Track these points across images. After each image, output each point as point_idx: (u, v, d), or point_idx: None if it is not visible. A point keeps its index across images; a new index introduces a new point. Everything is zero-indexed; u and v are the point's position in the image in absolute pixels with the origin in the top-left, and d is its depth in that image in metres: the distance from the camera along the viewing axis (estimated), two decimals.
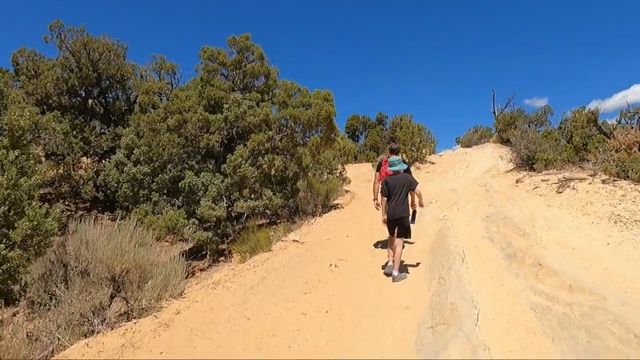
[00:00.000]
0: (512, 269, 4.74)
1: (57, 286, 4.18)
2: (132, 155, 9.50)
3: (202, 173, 9.06)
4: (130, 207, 10.23)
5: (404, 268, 5.28)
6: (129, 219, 9.47)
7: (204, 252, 9.35)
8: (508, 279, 4.48)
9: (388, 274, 5.13)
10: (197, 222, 8.94)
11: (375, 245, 6.99)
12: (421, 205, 5.63)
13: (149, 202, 9.47)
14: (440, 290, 4.31)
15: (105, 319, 3.96)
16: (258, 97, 9.71)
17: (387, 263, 5.38)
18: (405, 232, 5.26)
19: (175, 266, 4.86)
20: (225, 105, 9.18)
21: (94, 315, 3.95)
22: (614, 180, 8.11)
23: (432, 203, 9.95)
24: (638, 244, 5.07)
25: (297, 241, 7.60)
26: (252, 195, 9.57)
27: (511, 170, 13.54)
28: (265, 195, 8.98)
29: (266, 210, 10.67)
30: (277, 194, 10.12)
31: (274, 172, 11.43)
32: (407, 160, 7.60)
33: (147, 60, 13.55)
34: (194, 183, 8.81)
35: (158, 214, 9.33)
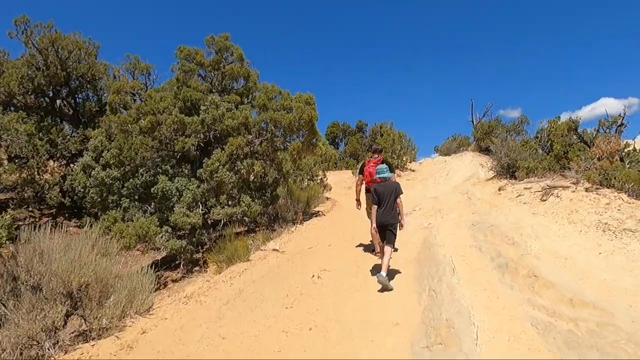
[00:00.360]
0: (506, 281, 4.50)
1: (3, 304, 3.66)
2: (101, 159, 8.91)
3: (176, 178, 8.56)
4: (99, 213, 9.60)
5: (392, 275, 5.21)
6: (97, 226, 8.90)
7: (177, 262, 8.81)
8: (502, 291, 4.23)
9: (382, 283, 4.84)
10: (170, 229, 8.41)
11: (359, 254, 6.68)
12: (402, 218, 5.34)
13: (118, 209, 8.87)
14: (432, 305, 4.02)
15: (58, 341, 3.47)
16: (237, 100, 9.31)
17: (379, 273, 5.03)
18: (392, 239, 5.23)
19: (143, 279, 4.39)
20: (203, 107, 8.74)
21: (45, 337, 3.45)
22: (597, 189, 8.09)
23: (415, 211, 9.75)
24: (630, 253, 4.94)
25: (277, 250, 7.20)
26: (230, 202, 9.12)
27: (492, 178, 13.55)
28: (244, 202, 8.56)
29: (244, 218, 10.23)
30: (256, 200, 9.70)
31: (252, 177, 11.02)
32: (393, 164, 7.45)
33: (120, 60, 12.96)
34: (167, 188, 8.30)
35: (128, 221, 8.75)
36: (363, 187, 6.61)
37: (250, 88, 10.07)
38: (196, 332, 4.08)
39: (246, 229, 11.32)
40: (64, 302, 3.66)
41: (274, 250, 7.18)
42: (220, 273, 6.48)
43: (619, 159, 8.06)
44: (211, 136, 9.16)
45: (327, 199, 13.86)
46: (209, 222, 9.97)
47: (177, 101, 9.40)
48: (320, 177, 14.28)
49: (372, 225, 5.41)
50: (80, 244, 4.06)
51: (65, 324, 3.71)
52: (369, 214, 6.19)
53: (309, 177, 13.37)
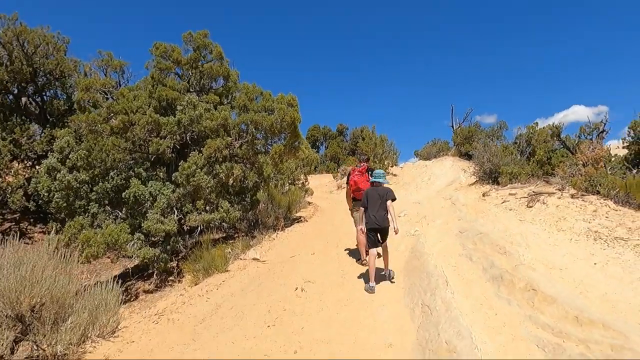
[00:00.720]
0: (502, 294, 4.25)
1: None
2: (68, 161, 8.29)
3: (150, 182, 8.03)
4: (66, 219, 8.94)
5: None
6: (63, 233, 8.25)
7: (150, 271, 8.26)
8: (500, 306, 3.97)
9: (370, 290, 4.96)
10: (143, 237, 7.86)
11: (344, 263, 6.35)
12: (395, 223, 5.32)
13: (86, 215, 8.26)
14: (427, 323, 3.71)
15: None
16: (216, 100, 8.86)
17: (367, 283, 5.12)
18: (384, 240, 5.35)
19: (107, 296, 3.92)
20: (179, 107, 8.26)
21: None
22: (582, 195, 8.03)
23: (400, 217, 9.50)
24: (625, 263, 4.78)
25: (257, 259, 6.79)
26: (207, 207, 8.64)
27: (474, 183, 13.50)
28: (222, 207, 8.10)
29: (223, 224, 9.77)
30: (235, 205, 9.25)
31: (232, 182, 10.57)
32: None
33: (92, 56, 12.26)
34: (140, 193, 7.76)
35: (97, 227, 8.16)
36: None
37: (230, 88, 9.64)
38: (167, 357, 3.64)
39: (224, 235, 10.84)
40: (12, 327, 3.18)
41: (254, 259, 6.77)
42: (196, 285, 6.02)
43: (603, 165, 8.02)
44: (188, 138, 8.67)
45: (309, 203, 13.50)
46: (185, 228, 9.46)
47: (152, 100, 8.87)
48: (301, 181, 13.91)
49: (358, 229, 5.51)
50: (34, 257, 3.56)
51: (14, 351, 3.22)
52: (356, 222, 6.26)
53: (290, 181, 12.99)
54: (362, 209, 5.29)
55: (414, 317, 4.03)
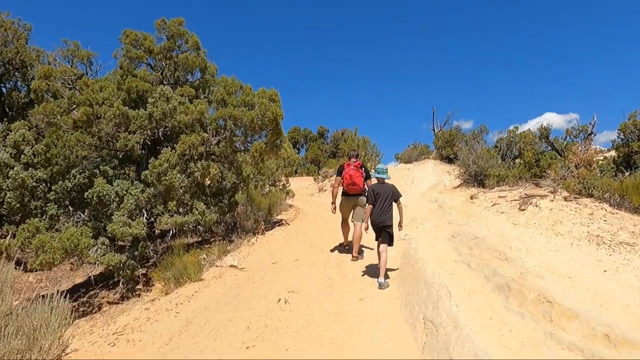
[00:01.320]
0: (512, 307, 3.79)
1: None
2: (23, 156, 7.44)
3: (116, 181, 7.28)
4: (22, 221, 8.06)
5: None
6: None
7: (116, 279, 7.49)
8: (514, 321, 3.50)
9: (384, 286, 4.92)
10: (107, 241, 7.10)
11: (331, 270, 5.80)
12: (401, 222, 5.53)
13: (43, 217, 7.43)
14: (434, 343, 3.20)
15: None
16: (192, 93, 8.17)
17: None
18: (390, 239, 5.26)
19: (50, 317, 3.23)
20: (151, 100, 7.54)
21: None
22: (576, 198, 7.75)
23: None
24: (638, 270, 4.42)
25: (235, 266, 6.16)
26: (181, 209, 7.95)
27: (459, 186, 13.21)
28: (197, 209, 7.42)
29: (198, 227, 9.08)
30: (212, 207, 8.58)
31: (209, 182, 9.89)
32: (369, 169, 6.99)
33: (57, 45, 11.33)
34: (105, 193, 7.00)
35: (56, 231, 7.34)
36: (340, 190, 6.40)
37: (208, 81, 8.96)
38: None
39: (200, 239, 10.13)
40: None
41: (231, 266, 6.13)
42: (166, 295, 5.34)
43: (596, 167, 7.76)
44: (160, 133, 7.96)
45: (290, 206, 12.90)
46: (156, 232, 8.72)
47: (121, 92, 8.12)
48: (283, 183, 13.31)
49: (363, 224, 5.43)
50: None
51: None
52: (344, 214, 6.39)
53: (271, 182, 12.37)
54: (369, 205, 5.25)
55: (417, 334, 3.51)
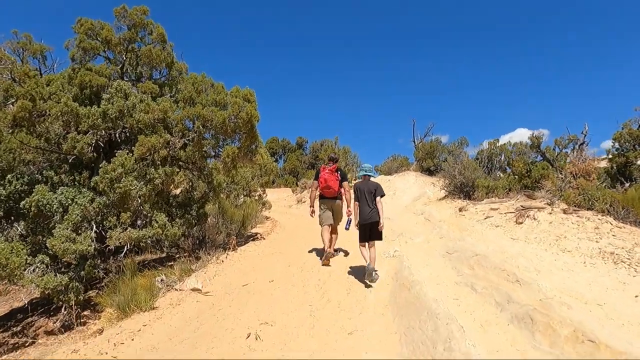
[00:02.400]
0: (543, 346, 3.02)
1: None
2: None
3: (60, 188, 6.22)
4: None
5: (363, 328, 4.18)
6: None
7: (59, 304, 6.36)
8: None
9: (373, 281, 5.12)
10: (48, 260, 6.01)
11: (312, 294, 4.92)
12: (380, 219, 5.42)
13: None
14: None
15: None
16: (155, 90, 7.22)
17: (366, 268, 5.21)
18: (379, 235, 5.36)
19: None
20: (105, 96, 6.56)
21: None
22: (575, 210, 7.18)
23: None
24: None
25: (198, 290, 5.19)
26: (139, 221, 6.93)
27: (444, 197, 12.62)
28: (158, 222, 6.42)
29: (164, 242, 8.05)
30: (177, 219, 7.58)
31: (176, 191, 8.89)
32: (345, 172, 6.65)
33: (6, 38, 10.16)
34: (45, 202, 5.93)
35: None
36: (318, 194, 6.42)
37: (175, 79, 8.03)
38: None
39: (165, 255, 9.08)
40: None
41: (194, 290, 5.15)
42: (110, 327, 4.32)
43: (596, 177, 7.24)
44: (117, 135, 6.96)
45: (267, 218, 11.97)
46: (111, 248, 7.62)
47: (72, 87, 7.12)
48: (259, 193, 12.37)
49: (354, 222, 5.47)
50: None
51: None
52: (321, 221, 6.26)
53: (245, 192, 11.41)
54: (355, 203, 5.36)
55: None
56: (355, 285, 5.27)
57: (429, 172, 22.83)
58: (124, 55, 7.52)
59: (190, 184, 9.07)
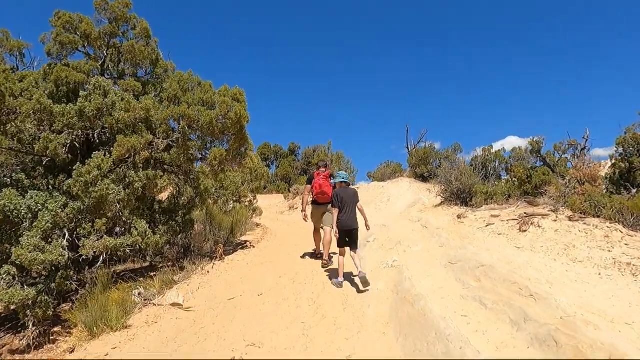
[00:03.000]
0: None
1: None
2: None
3: (30, 192, 5.70)
4: None
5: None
6: None
7: (25, 320, 5.80)
8: None
9: (339, 285, 5.17)
10: (15, 271, 5.47)
11: (305, 310, 4.47)
12: (367, 222, 5.71)
13: None
14: None
15: None
16: (137, 88, 6.76)
17: (337, 278, 5.31)
18: (356, 244, 5.37)
19: None
20: (83, 93, 6.08)
21: None
22: (581, 217, 6.84)
23: (369, 242, 7.81)
24: None
25: (179, 305, 4.70)
26: (118, 228, 6.43)
27: (440, 204, 12.25)
28: (137, 229, 5.92)
29: (148, 250, 7.53)
30: (161, 226, 7.10)
31: (162, 196, 8.42)
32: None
33: None
34: (13, 207, 5.41)
35: None
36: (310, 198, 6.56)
37: (160, 77, 7.58)
38: None
39: (149, 264, 8.54)
40: None
41: (174, 305, 4.66)
42: (71, 353, 3.82)
43: (602, 183, 6.91)
44: (96, 135, 6.47)
45: (257, 225, 11.48)
46: (89, 257, 7.08)
47: (48, 84, 6.63)
48: (249, 199, 11.88)
49: (332, 229, 5.46)
50: None
51: None
52: (323, 223, 6.36)
53: (235, 198, 10.93)
54: (335, 210, 5.35)
55: None
56: (352, 298, 4.83)
57: (423, 178, 22.58)
58: (105, 51, 7.05)
59: (177, 188, 8.60)
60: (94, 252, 5.50)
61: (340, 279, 5.20)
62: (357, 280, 5.18)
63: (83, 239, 5.58)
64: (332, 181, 5.94)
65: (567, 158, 10.06)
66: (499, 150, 18.15)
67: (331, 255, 6.40)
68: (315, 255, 6.92)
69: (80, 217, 5.85)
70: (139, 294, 5.01)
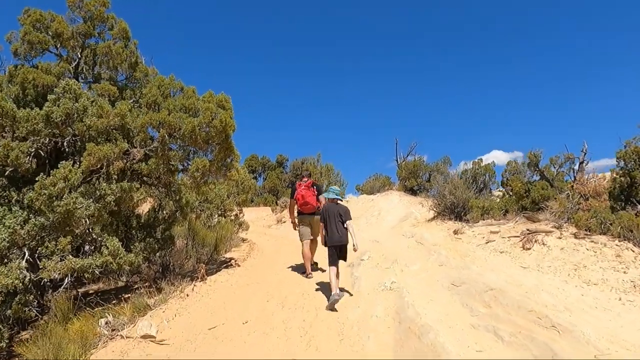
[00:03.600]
0: None
1: None
2: None
3: None
4: None
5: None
6: None
7: None
8: None
9: (336, 301, 4.82)
10: None
11: (295, 341, 3.93)
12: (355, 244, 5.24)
13: None
14: None
15: None
16: (113, 92, 6.20)
17: (331, 294, 4.94)
18: (345, 257, 5.29)
19: None
20: (51, 96, 5.51)
21: None
22: (587, 235, 6.47)
23: (363, 260, 7.30)
24: None
25: (151, 337, 4.10)
26: (88, 247, 5.81)
27: (433, 218, 11.85)
28: (108, 247, 5.31)
29: (118, 270, 6.88)
30: (137, 243, 6.48)
31: (146, 211, 7.82)
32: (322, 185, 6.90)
33: None
34: None
35: None
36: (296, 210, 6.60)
37: (139, 81, 7.04)
38: None
39: (124, 284, 7.87)
40: None
41: (145, 337, 4.06)
42: None
43: (607, 198, 6.58)
44: (65, 143, 5.88)
45: (243, 240, 10.87)
46: (55, 277, 6.41)
47: (13, 87, 6.05)
48: (235, 213, 11.29)
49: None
50: None
51: None
52: (302, 236, 6.36)
53: (220, 211, 10.33)
54: (322, 224, 5.29)
55: None
56: (349, 327, 4.30)
57: (412, 191, 22.27)
58: (79, 53, 6.51)
59: (158, 202, 8.01)
60: (57, 275, 4.86)
61: (335, 290, 4.93)
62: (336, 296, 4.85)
63: (44, 259, 4.94)
64: (325, 195, 5.67)
65: (563, 172, 9.77)
66: (488, 164, 17.96)
67: (314, 265, 6.62)
68: (306, 274, 6.44)
69: (43, 234, 5.22)
70: (106, 322, 4.39)
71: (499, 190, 16.51)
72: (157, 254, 7.10)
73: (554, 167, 10.07)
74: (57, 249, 4.93)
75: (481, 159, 18.36)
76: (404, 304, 4.59)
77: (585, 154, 8.84)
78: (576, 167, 9.21)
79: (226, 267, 7.45)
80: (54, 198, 4.95)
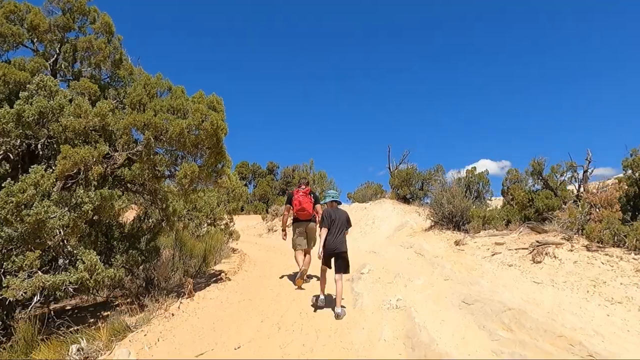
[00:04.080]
0: None
1: None
2: None
3: None
4: None
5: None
6: None
7: None
8: None
9: (320, 307, 4.98)
10: None
11: None
12: None
13: None
14: None
15: None
16: (94, 90, 5.69)
17: (318, 296, 5.11)
18: (346, 267, 5.02)
19: None
20: (23, 94, 4.98)
21: None
22: (600, 247, 6.12)
23: (363, 274, 6.83)
24: None
25: None
26: (62, 261, 5.24)
27: (430, 228, 11.48)
28: (85, 262, 4.77)
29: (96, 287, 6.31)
30: (119, 256, 5.95)
31: (131, 220, 7.29)
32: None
33: None
34: None
35: None
36: (290, 218, 6.53)
37: (124, 79, 6.53)
38: None
39: (105, 299, 7.28)
40: None
41: None
42: None
43: (619, 209, 6.25)
44: (39, 145, 5.35)
45: (234, 250, 10.33)
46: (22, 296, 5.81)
47: None
48: (225, 222, 10.75)
49: (318, 250, 5.05)
50: None
51: None
52: (295, 245, 6.30)
53: (209, 220, 9.79)
54: (324, 230, 4.99)
55: None
56: (354, 353, 3.83)
57: (405, 200, 21.97)
58: (57, 47, 6.00)
59: (144, 210, 7.48)
60: (23, 295, 4.30)
61: (322, 296, 5.06)
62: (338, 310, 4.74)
63: (9, 276, 4.38)
64: (323, 201, 5.59)
65: (565, 181, 9.49)
66: (482, 172, 17.75)
67: (308, 278, 6.48)
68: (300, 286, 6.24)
69: (10, 247, 4.66)
70: (78, 349, 3.84)
71: (493, 199, 16.29)
72: (141, 267, 6.56)
73: (557, 176, 9.78)
74: (25, 265, 4.37)
75: (474, 167, 18.15)
76: (414, 326, 4.13)
77: (589, 162, 8.56)
78: (580, 176, 8.90)
79: (216, 281, 6.92)
80: (23, 206, 4.40)
